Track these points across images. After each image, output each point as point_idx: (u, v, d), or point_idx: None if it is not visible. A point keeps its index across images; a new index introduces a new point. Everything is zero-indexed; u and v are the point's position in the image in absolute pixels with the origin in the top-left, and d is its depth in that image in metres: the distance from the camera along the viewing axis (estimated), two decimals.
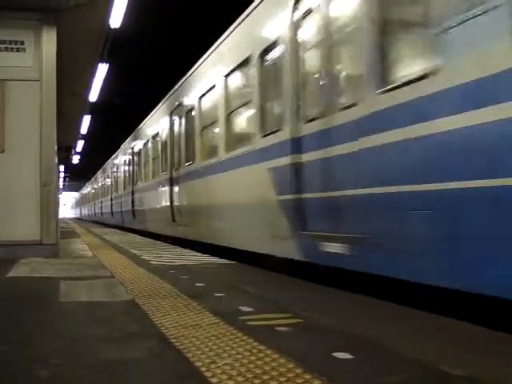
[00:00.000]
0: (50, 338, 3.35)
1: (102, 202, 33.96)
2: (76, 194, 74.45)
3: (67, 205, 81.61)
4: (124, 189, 22.43)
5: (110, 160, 29.41)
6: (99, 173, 36.58)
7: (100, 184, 35.47)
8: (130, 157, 20.77)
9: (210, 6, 18.32)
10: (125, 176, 22.61)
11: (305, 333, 3.41)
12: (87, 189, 50.47)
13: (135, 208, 19.29)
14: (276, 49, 7.02)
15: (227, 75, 9.09)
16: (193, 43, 16.62)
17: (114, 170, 26.64)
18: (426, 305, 4.38)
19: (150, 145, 16.78)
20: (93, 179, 42.90)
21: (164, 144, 14.38)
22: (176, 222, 12.58)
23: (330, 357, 2.82)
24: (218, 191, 9.44)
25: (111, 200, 27.23)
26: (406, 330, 3.53)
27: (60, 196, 32.43)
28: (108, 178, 29.91)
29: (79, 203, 68.42)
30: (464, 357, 2.86)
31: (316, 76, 6.07)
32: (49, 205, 8.56)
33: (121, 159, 24.00)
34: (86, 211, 53.54)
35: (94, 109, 19.16)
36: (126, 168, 22.07)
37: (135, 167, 19.76)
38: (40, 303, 4.68)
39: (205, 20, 18.60)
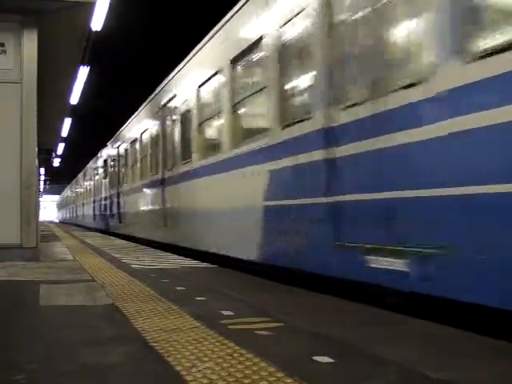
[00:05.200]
0: (28, 343, 3.32)
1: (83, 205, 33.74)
2: (57, 198, 73.84)
3: (47, 208, 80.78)
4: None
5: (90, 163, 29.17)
6: (80, 176, 36.32)
7: (82, 187, 35.22)
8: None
9: (192, 8, 18.35)
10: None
11: (285, 336, 3.42)
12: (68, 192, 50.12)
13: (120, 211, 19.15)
14: None
15: None
16: (174, 46, 16.60)
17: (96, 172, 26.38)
18: (400, 308, 4.41)
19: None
20: (73, 182, 42.59)
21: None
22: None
23: (311, 360, 2.83)
24: None
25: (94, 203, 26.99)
26: (383, 334, 3.55)
27: (40, 199, 32.12)
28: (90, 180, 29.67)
29: (60, 207, 67.90)
30: (443, 360, 2.88)
31: None
32: (29, 207, 8.47)
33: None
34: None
35: (75, 111, 19.03)
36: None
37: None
38: (19, 307, 4.63)
39: (186, 23, 18.62)
